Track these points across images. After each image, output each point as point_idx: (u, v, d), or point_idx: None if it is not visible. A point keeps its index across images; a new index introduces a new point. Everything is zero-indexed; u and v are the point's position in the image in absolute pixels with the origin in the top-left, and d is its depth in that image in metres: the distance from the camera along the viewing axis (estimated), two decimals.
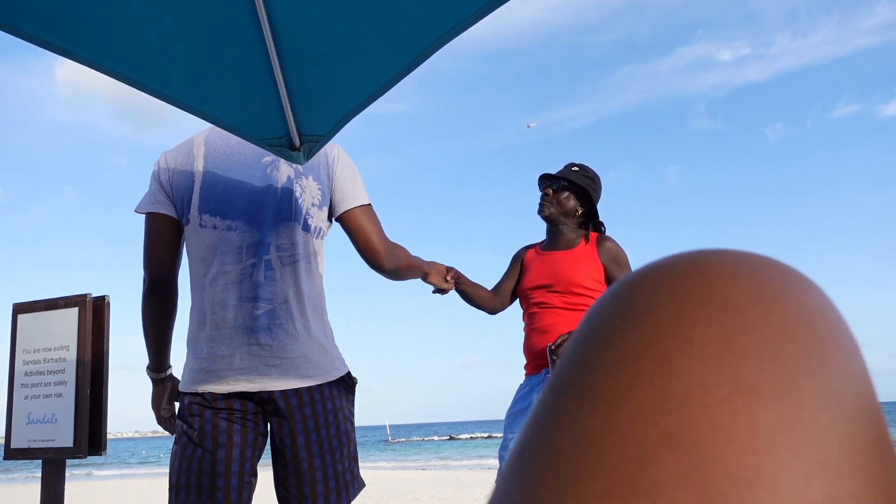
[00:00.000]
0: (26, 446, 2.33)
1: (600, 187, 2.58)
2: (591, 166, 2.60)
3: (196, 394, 1.67)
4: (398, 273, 1.81)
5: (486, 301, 2.54)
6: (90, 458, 2.40)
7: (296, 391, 1.63)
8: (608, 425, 0.19)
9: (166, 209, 1.73)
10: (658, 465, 0.17)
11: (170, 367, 1.90)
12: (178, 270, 1.80)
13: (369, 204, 1.76)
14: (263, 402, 1.65)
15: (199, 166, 1.72)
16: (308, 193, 1.70)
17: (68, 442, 2.25)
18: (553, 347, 2.22)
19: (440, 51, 1.22)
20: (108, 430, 2.34)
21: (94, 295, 2.33)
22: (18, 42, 1.41)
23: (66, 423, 2.27)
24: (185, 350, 1.76)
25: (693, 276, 0.21)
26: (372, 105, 1.44)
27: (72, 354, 2.30)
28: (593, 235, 2.51)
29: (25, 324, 2.41)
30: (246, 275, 1.66)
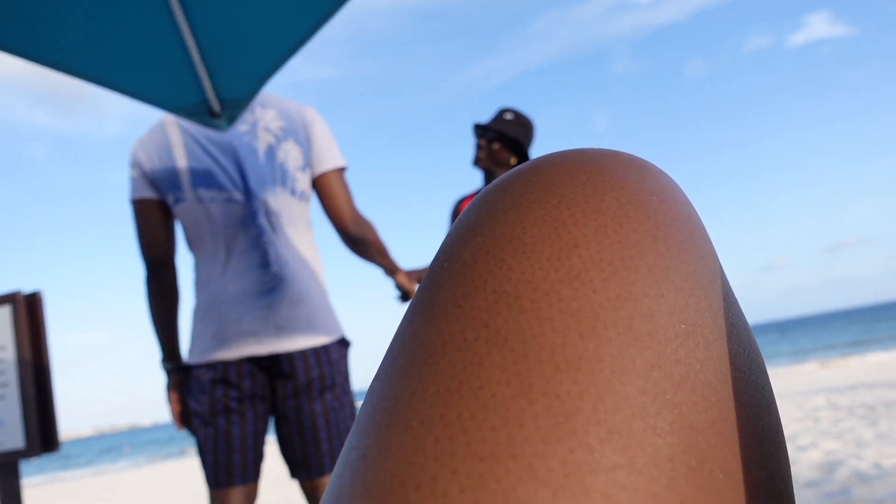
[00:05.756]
0: None
1: (532, 133, 2.58)
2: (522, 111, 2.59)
3: (208, 365, 1.66)
4: (364, 243, 1.78)
5: None
6: (54, 464, 2.35)
7: (302, 353, 1.66)
8: (441, 335, 0.19)
9: (152, 193, 1.73)
10: (485, 365, 0.17)
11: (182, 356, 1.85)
12: (175, 251, 1.79)
13: (344, 167, 1.77)
14: (271, 365, 1.67)
15: (178, 144, 1.71)
16: (291, 157, 1.71)
17: (19, 443, 2.18)
18: None
19: (363, 10, 1.20)
20: (63, 430, 2.29)
21: (25, 291, 2.24)
22: None
23: (14, 425, 2.20)
24: (191, 323, 1.75)
25: (532, 178, 0.21)
26: (300, 71, 1.42)
27: (10, 354, 2.21)
28: None
29: None
30: (244, 242, 1.67)
